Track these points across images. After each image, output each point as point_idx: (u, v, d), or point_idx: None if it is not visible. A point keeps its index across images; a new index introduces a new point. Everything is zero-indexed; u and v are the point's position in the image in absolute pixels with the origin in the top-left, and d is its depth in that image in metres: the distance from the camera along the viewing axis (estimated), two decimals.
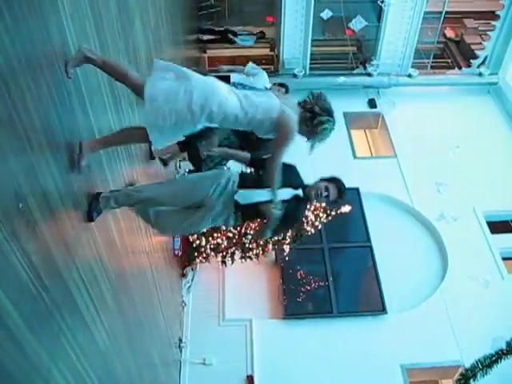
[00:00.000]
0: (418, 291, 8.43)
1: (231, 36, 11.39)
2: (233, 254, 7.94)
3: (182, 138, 3.45)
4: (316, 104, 3.17)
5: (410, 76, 11.76)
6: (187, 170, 6.81)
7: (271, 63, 12.54)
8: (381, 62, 11.72)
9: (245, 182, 3.48)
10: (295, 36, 11.38)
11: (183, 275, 8.18)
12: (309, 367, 7.46)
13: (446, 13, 11.79)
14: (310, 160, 9.24)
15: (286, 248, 8.02)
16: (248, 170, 3.87)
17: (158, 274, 5.61)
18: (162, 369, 6.14)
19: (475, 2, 13.58)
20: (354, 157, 10.59)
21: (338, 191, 3.66)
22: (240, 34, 11.00)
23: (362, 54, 12.31)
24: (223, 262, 8.02)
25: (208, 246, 7.87)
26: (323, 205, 7.47)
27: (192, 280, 8.25)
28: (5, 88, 2.02)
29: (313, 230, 7.39)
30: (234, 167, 4.04)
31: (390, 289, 8.32)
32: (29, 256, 2.19)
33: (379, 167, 10.25)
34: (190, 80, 2.97)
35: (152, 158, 5.49)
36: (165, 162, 6.07)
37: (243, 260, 8.00)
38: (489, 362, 4.27)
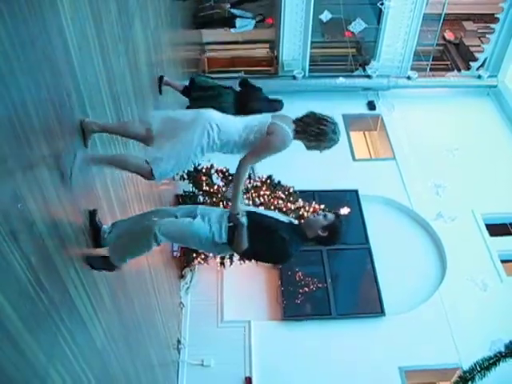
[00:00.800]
0: (417, 293, 8.43)
1: (227, 27, 10.79)
2: (232, 255, 7.94)
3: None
4: (309, 116, 3.29)
5: (409, 78, 11.77)
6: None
7: (270, 65, 12.56)
8: (380, 64, 11.73)
9: None
10: (295, 38, 11.39)
11: (182, 276, 8.16)
12: (307, 369, 7.46)
13: (446, 15, 11.80)
14: (309, 162, 9.28)
15: None
16: None
17: (156, 275, 5.61)
18: (159, 370, 6.14)
19: (475, 4, 13.60)
20: (353, 159, 10.59)
21: (336, 219, 3.39)
22: (240, 17, 10.47)
23: (361, 56, 12.32)
24: (222, 264, 8.01)
25: None
26: (322, 206, 7.48)
27: (190, 281, 8.24)
28: (4, 89, 2.03)
29: None
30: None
31: (389, 291, 8.32)
32: (27, 256, 2.19)
33: (378, 169, 10.26)
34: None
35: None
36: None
37: (242, 261, 8.00)
38: (487, 365, 4.27)
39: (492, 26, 11.86)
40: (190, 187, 7.67)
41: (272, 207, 7.21)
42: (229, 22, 10.38)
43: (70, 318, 2.74)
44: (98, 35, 3.32)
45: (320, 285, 8.37)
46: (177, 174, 7.28)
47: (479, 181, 9.76)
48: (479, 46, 12.58)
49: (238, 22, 10.22)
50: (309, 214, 7.37)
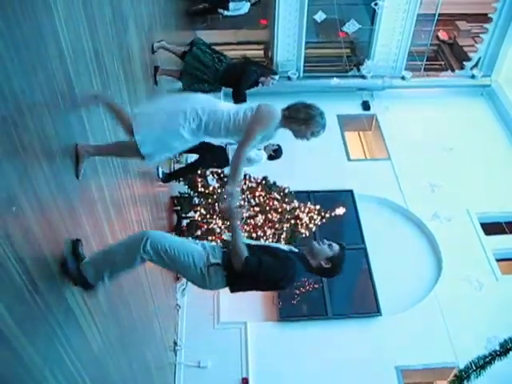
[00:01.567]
0: (413, 293, 8.45)
1: (220, 9, 10.54)
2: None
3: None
4: (296, 104, 3.41)
5: (403, 78, 11.80)
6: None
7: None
8: (374, 65, 11.75)
9: None
10: (289, 38, 11.41)
11: (178, 278, 8.15)
12: (304, 369, 7.46)
13: (439, 15, 11.84)
14: (304, 163, 9.28)
15: None
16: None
17: (152, 276, 5.60)
18: (156, 372, 6.13)
19: (468, 4, 13.65)
20: (348, 159, 10.61)
21: (341, 251, 3.23)
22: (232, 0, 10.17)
23: (355, 56, 12.35)
24: None
25: None
26: (317, 207, 7.48)
27: (186, 283, 8.22)
28: None
29: (307, 233, 7.39)
30: None
31: (385, 291, 8.33)
32: (22, 260, 2.19)
33: (373, 169, 10.28)
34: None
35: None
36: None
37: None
38: (482, 363, 4.29)
39: (485, 25, 11.91)
40: (185, 189, 7.66)
41: (267, 208, 7.21)
42: (222, 3, 10.10)
43: (65, 321, 2.73)
44: (92, 37, 3.31)
45: (316, 285, 8.38)
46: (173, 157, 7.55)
47: (474, 180, 9.80)
48: (473, 45, 12.63)
49: (232, 4, 9.97)
50: (304, 214, 7.37)
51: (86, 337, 3.14)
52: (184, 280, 8.19)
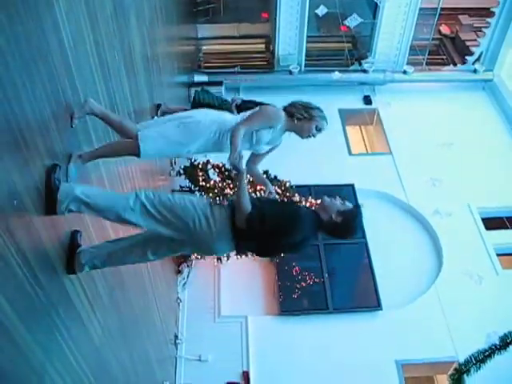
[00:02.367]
0: (413, 287, 8.46)
1: None
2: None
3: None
4: (294, 103, 3.44)
5: (405, 72, 11.78)
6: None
7: (266, 60, 12.54)
8: (376, 59, 11.74)
9: None
10: (290, 32, 11.38)
11: (179, 272, 8.18)
12: (304, 363, 7.49)
13: (441, 9, 11.81)
14: (305, 157, 9.25)
15: None
16: None
17: (153, 270, 5.62)
18: (157, 365, 6.15)
19: None
20: (350, 153, 10.61)
21: (354, 208, 3.07)
22: None
23: (357, 50, 12.32)
24: (219, 259, 8.03)
25: None
26: (318, 201, 7.48)
27: (187, 277, 8.26)
28: None
29: None
30: None
31: (385, 285, 8.35)
32: (24, 253, 2.20)
33: (374, 164, 10.27)
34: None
35: None
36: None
37: (238, 256, 8.01)
38: (482, 357, 4.29)
39: (488, 20, 11.87)
40: (186, 182, 7.67)
41: None
42: None
43: (67, 314, 2.75)
44: (93, 30, 3.31)
45: (317, 279, 8.40)
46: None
47: (475, 175, 9.79)
48: (475, 40, 12.59)
49: None
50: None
51: (86, 329, 3.15)
52: (185, 274, 8.23)
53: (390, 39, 11.58)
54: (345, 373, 7.45)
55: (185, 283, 8.21)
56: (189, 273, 8.27)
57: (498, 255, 8.99)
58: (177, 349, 7.64)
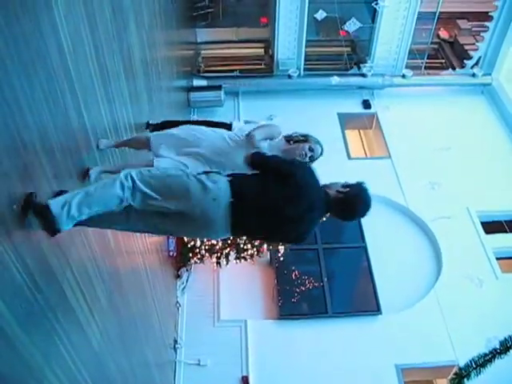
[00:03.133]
0: (413, 291, 8.45)
1: None
2: (227, 254, 7.94)
3: None
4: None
5: (404, 77, 11.79)
6: None
7: (266, 64, 12.55)
8: (375, 63, 11.76)
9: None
10: (289, 37, 11.39)
11: (178, 276, 8.17)
12: (304, 368, 7.47)
13: (440, 14, 11.83)
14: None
15: (281, 249, 8.05)
16: None
17: (152, 274, 5.61)
18: (156, 369, 6.13)
19: (469, 3, 13.63)
20: (349, 157, 10.60)
21: (361, 185, 3.22)
22: None
23: (356, 54, 12.34)
24: (218, 263, 8.02)
25: (203, 247, 7.87)
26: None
27: (187, 281, 8.24)
28: None
29: None
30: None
31: (385, 289, 8.33)
32: (23, 257, 2.19)
33: (373, 168, 10.26)
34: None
35: None
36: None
37: (238, 261, 8.00)
38: (482, 362, 4.28)
39: (486, 24, 11.90)
40: None
41: None
42: None
43: (65, 318, 2.73)
44: (93, 34, 3.31)
45: (316, 283, 8.38)
46: None
47: (474, 178, 9.79)
48: (473, 44, 12.60)
49: None
50: None
51: (85, 333, 3.14)
52: (184, 278, 8.21)
53: (388, 43, 11.61)
54: (344, 377, 7.43)
55: (184, 287, 8.19)
56: (188, 277, 8.26)
57: (497, 259, 8.98)
58: (176, 353, 7.62)
